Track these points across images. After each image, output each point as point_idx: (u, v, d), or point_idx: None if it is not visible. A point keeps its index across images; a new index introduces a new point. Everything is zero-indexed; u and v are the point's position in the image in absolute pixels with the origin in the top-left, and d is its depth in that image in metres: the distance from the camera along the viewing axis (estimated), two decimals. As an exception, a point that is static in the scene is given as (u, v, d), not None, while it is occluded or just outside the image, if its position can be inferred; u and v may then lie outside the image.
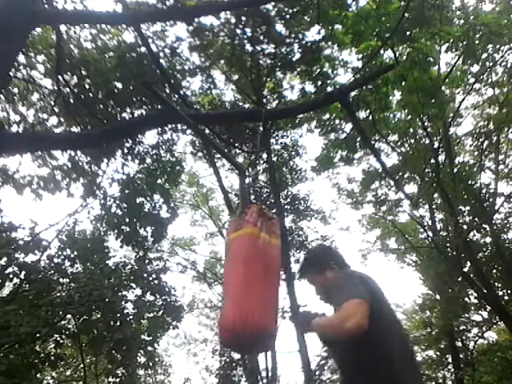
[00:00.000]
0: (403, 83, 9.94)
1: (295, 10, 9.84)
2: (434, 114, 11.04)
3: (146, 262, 8.95)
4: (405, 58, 9.78)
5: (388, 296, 2.22)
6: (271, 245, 2.21)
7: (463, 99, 12.64)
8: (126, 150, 8.88)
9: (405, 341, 2.15)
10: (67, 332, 7.40)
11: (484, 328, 14.14)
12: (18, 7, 4.24)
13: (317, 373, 12.53)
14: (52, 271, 7.81)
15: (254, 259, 2.10)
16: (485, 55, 10.37)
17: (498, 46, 10.14)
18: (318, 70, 10.89)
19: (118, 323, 7.58)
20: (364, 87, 9.56)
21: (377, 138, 12.44)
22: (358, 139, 11.51)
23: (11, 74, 6.90)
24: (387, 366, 1.96)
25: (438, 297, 14.97)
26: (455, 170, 12.10)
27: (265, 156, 12.46)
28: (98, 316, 7.74)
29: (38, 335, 6.54)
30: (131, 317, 7.90)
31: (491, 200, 12.34)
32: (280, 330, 2.14)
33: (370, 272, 2.37)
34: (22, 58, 8.11)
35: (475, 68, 11.47)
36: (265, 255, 2.14)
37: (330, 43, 10.91)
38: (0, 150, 4.26)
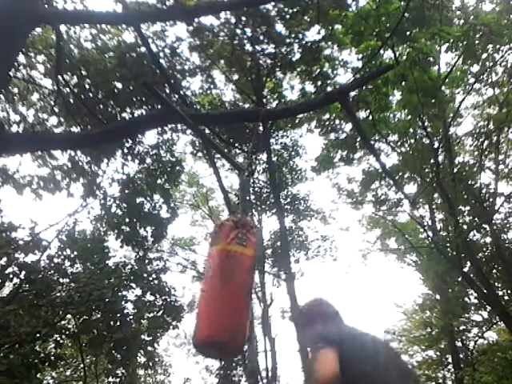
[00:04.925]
0: (403, 83, 9.93)
1: (295, 9, 9.84)
2: (434, 114, 11.03)
3: (146, 262, 8.96)
4: (405, 58, 9.78)
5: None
6: (242, 256, 2.33)
7: (463, 99, 12.62)
8: (126, 150, 8.88)
9: None
10: (67, 332, 7.42)
11: (484, 328, 14.13)
12: (18, 7, 4.24)
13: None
14: (52, 271, 7.82)
15: (221, 275, 2.25)
16: (485, 55, 10.36)
17: (498, 46, 10.12)
18: (318, 70, 10.89)
19: (118, 323, 7.60)
20: (364, 87, 9.56)
21: (377, 138, 12.43)
22: (358, 139, 11.50)
23: (11, 73, 6.89)
24: None
25: (437, 297, 14.96)
26: (455, 170, 12.08)
27: (265, 156, 12.46)
28: (98, 316, 7.75)
29: (38, 335, 6.55)
30: (131, 317, 7.92)
31: (491, 200, 12.31)
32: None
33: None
34: (22, 58, 8.12)
35: (475, 68, 11.46)
36: (234, 269, 2.28)
37: (330, 43, 10.91)
38: (0, 149, 4.26)
